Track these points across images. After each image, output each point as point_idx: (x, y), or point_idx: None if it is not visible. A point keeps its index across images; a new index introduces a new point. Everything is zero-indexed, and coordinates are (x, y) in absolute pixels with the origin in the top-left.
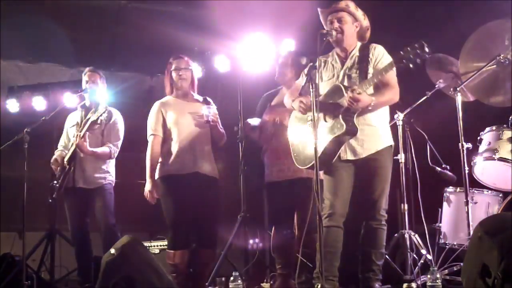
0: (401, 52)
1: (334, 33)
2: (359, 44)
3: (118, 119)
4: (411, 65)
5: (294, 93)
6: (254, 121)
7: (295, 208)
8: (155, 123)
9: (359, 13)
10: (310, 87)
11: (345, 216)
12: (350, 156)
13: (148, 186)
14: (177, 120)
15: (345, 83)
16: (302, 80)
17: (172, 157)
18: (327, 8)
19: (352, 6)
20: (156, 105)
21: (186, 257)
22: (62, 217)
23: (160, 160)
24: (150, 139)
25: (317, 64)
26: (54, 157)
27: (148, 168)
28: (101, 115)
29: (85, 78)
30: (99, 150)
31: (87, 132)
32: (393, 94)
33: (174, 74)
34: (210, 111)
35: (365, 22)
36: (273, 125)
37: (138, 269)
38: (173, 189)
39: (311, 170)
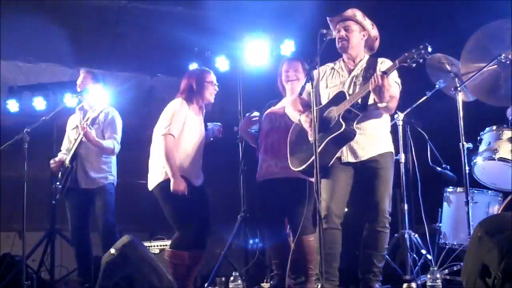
0: (406, 54)
1: (334, 33)
2: (367, 56)
3: (116, 116)
4: (413, 65)
5: (296, 102)
6: (255, 114)
7: (285, 210)
8: (174, 121)
9: (367, 22)
10: (310, 86)
11: (342, 217)
12: (350, 159)
13: (175, 183)
14: (194, 126)
15: (350, 92)
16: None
17: (187, 159)
18: (335, 16)
19: (359, 15)
20: (177, 105)
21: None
22: (62, 217)
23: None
24: (165, 137)
25: (317, 66)
26: (55, 158)
27: (171, 166)
28: (101, 112)
29: (80, 79)
30: (104, 143)
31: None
32: (394, 103)
33: (210, 88)
34: (215, 129)
35: (373, 32)
36: (269, 122)
37: (138, 269)
38: (188, 189)
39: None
